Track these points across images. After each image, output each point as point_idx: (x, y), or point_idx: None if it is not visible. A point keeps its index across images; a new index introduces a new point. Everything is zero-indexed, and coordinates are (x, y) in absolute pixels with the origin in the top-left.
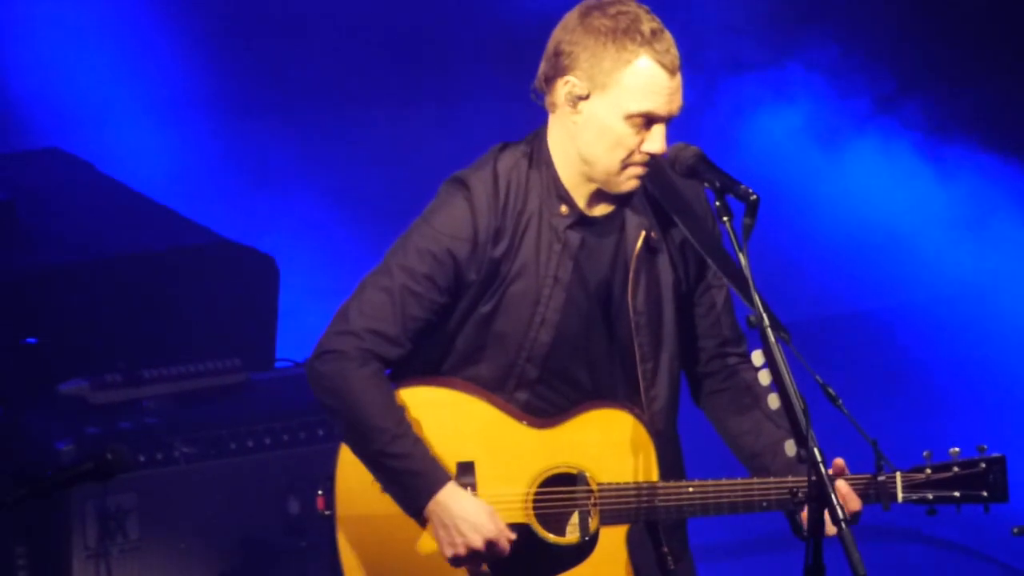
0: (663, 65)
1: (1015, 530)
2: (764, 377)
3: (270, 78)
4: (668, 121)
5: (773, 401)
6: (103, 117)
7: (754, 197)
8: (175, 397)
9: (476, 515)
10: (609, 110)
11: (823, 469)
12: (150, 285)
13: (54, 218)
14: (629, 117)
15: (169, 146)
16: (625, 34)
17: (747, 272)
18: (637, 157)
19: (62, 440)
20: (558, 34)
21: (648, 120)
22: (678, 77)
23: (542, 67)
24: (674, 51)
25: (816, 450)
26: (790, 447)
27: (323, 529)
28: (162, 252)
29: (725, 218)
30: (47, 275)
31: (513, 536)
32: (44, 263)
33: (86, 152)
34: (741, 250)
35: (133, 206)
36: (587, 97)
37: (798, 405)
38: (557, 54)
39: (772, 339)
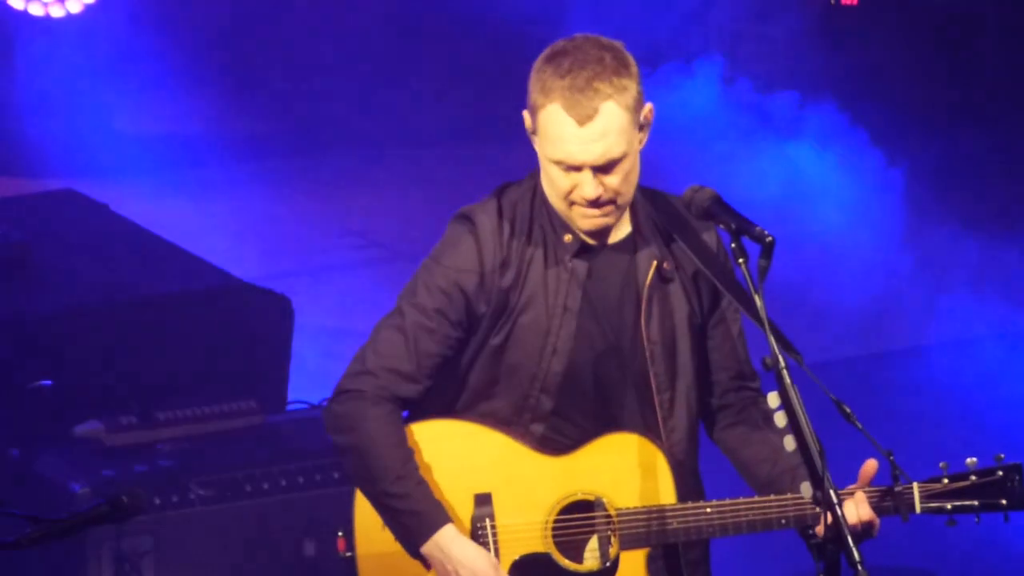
0: (573, 113)
1: None
2: (780, 419)
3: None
4: (601, 169)
5: (789, 443)
6: (120, 159)
7: (770, 239)
8: (190, 439)
9: (475, 561)
10: (541, 151)
11: (839, 511)
12: (165, 327)
13: (69, 259)
14: (554, 162)
15: (185, 188)
16: (549, 75)
17: (763, 313)
18: (578, 198)
19: (77, 482)
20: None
21: (567, 167)
22: (593, 126)
23: None
24: (595, 101)
25: (832, 491)
26: (806, 489)
27: (340, 572)
28: (176, 294)
29: (740, 260)
30: (62, 317)
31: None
32: (59, 305)
33: (102, 194)
34: (757, 292)
35: (147, 247)
36: (534, 134)
37: (814, 447)
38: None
39: (788, 381)
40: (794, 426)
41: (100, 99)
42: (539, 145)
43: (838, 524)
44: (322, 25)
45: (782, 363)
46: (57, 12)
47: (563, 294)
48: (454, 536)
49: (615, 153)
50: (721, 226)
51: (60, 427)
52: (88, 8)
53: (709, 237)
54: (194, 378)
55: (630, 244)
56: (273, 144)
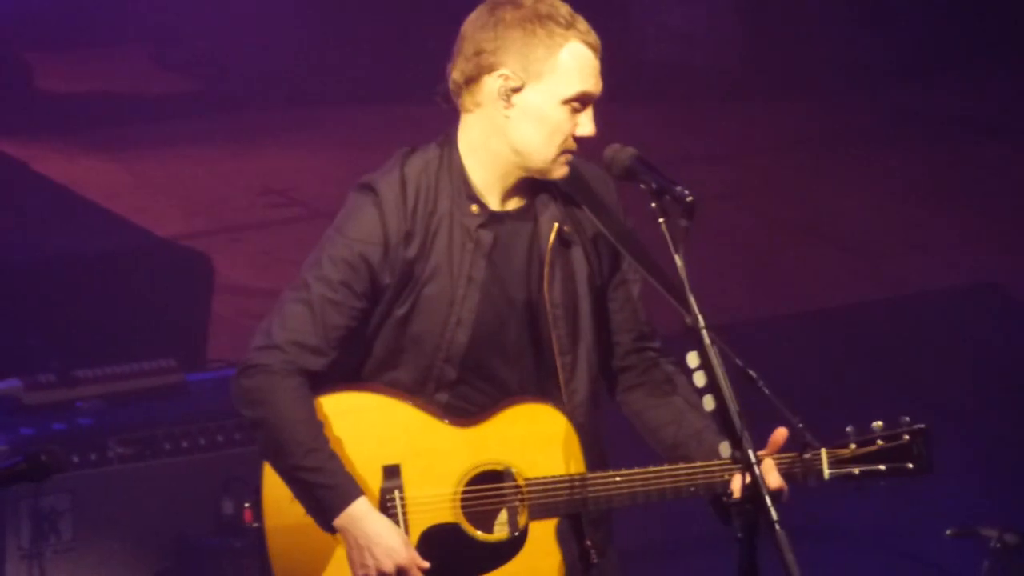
0: (590, 44)
1: (949, 532)
2: (699, 379)
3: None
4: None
5: (708, 403)
6: (39, 118)
7: (691, 199)
8: (109, 398)
9: (389, 538)
10: (545, 98)
11: (757, 471)
12: (84, 285)
13: None
14: (566, 102)
15: (106, 146)
16: (550, 20)
17: (683, 274)
18: (571, 143)
19: None
20: (473, 33)
21: (582, 102)
22: (599, 56)
23: (459, 68)
24: (594, 32)
25: (751, 452)
26: (725, 448)
27: (258, 530)
28: (95, 252)
29: (661, 220)
30: None
31: (426, 565)
32: None
33: (20, 152)
34: (677, 252)
35: (67, 206)
36: (520, 89)
37: (733, 407)
38: (479, 52)
39: (708, 340)
40: (713, 385)
41: (19, 58)
42: (542, 93)
43: (756, 483)
44: None
45: (701, 322)
46: None
47: (467, 264)
48: (367, 510)
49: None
50: (642, 185)
51: None
52: None
53: (608, 194)
54: (113, 337)
55: (531, 210)
56: (194, 102)
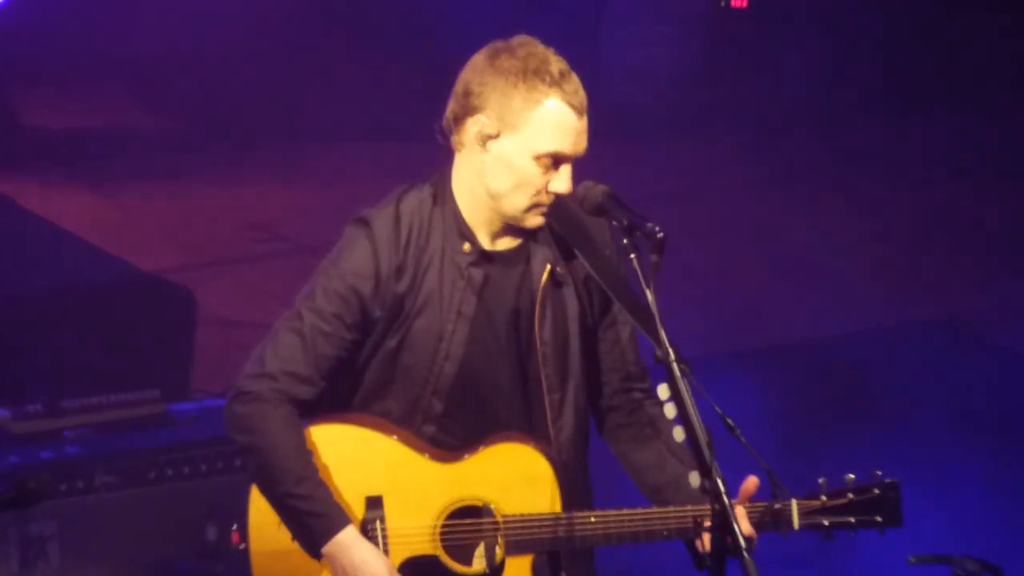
0: (572, 106)
1: (911, 559)
2: (670, 410)
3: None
4: (574, 161)
5: (678, 434)
6: (25, 154)
7: (661, 235)
8: (95, 427)
9: (375, 566)
10: (518, 150)
11: (726, 499)
12: (70, 318)
13: None
14: (538, 157)
15: (91, 182)
16: (535, 75)
17: (654, 308)
18: (543, 197)
19: None
20: (467, 75)
21: (556, 160)
22: (585, 118)
23: (451, 107)
24: (582, 93)
25: (719, 480)
26: (694, 478)
27: (240, 555)
28: (80, 285)
29: (632, 255)
30: None
31: None
32: None
33: (6, 187)
34: (648, 287)
35: (53, 240)
36: (497, 136)
37: (702, 437)
38: (467, 94)
39: (678, 373)
40: (683, 416)
41: (5, 95)
42: (516, 145)
43: (724, 511)
44: (235, 21)
45: (672, 356)
46: None
47: (458, 300)
48: (354, 538)
49: (585, 149)
50: (614, 222)
51: None
52: None
53: (602, 237)
54: (98, 368)
55: (524, 250)
56: (178, 140)
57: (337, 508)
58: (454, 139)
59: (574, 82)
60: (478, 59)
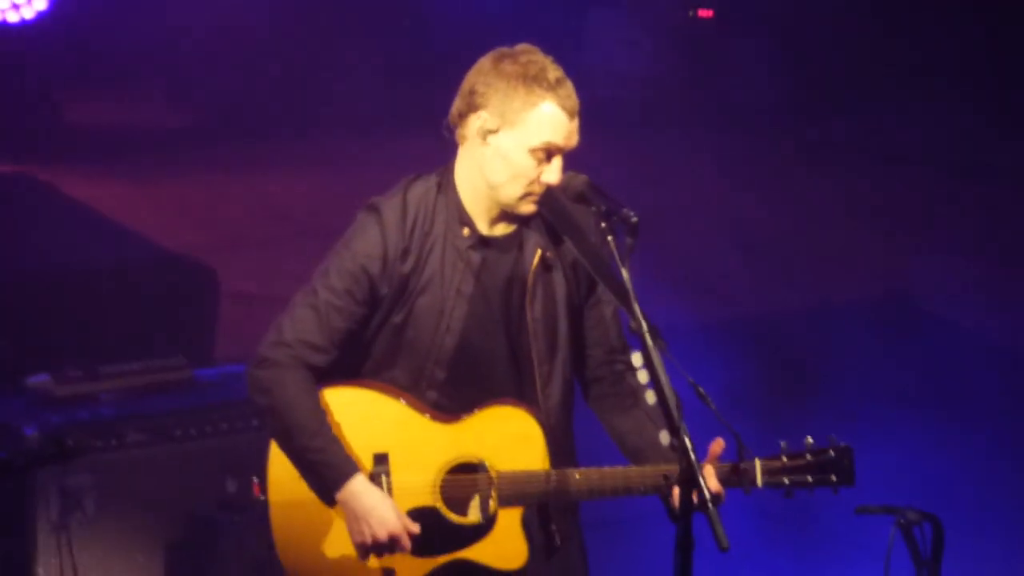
0: (565, 109)
1: (858, 509)
2: (643, 376)
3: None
4: (565, 155)
5: (650, 397)
6: (68, 148)
7: (635, 219)
8: (128, 390)
9: (383, 510)
10: (515, 144)
11: (692, 456)
12: (106, 292)
13: (23, 232)
14: (532, 151)
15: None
16: (534, 80)
17: (628, 285)
18: (535, 187)
19: (29, 427)
20: (473, 76)
21: (548, 154)
22: (576, 120)
23: (456, 104)
24: (575, 98)
25: (687, 439)
26: (664, 437)
27: (257, 505)
28: (115, 262)
29: (609, 238)
30: (17, 283)
31: (416, 530)
32: (14, 273)
33: (52, 177)
34: (623, 266)
35: (93, 224)
36: (496, 132)
37: (671, 400)
38: (472, 93)
39: (650, 343)
40: (654, 381)
41: (49, 94)
42: (513, 139)
43: (691, 466)
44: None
45: (644, 327)
46: (12, 17)
47: (458, 280)
48: (364, 486)
49: (576, 144)
50: (593, 208)
51: (14, 379)
52: (40, 14)
53: (586, 224)
54: (132, 338)
55: (518, 236)
56: (200, 133)
57: (348, 459)
58: (458, 133)
59: (568, 88)
60: (484, 62)
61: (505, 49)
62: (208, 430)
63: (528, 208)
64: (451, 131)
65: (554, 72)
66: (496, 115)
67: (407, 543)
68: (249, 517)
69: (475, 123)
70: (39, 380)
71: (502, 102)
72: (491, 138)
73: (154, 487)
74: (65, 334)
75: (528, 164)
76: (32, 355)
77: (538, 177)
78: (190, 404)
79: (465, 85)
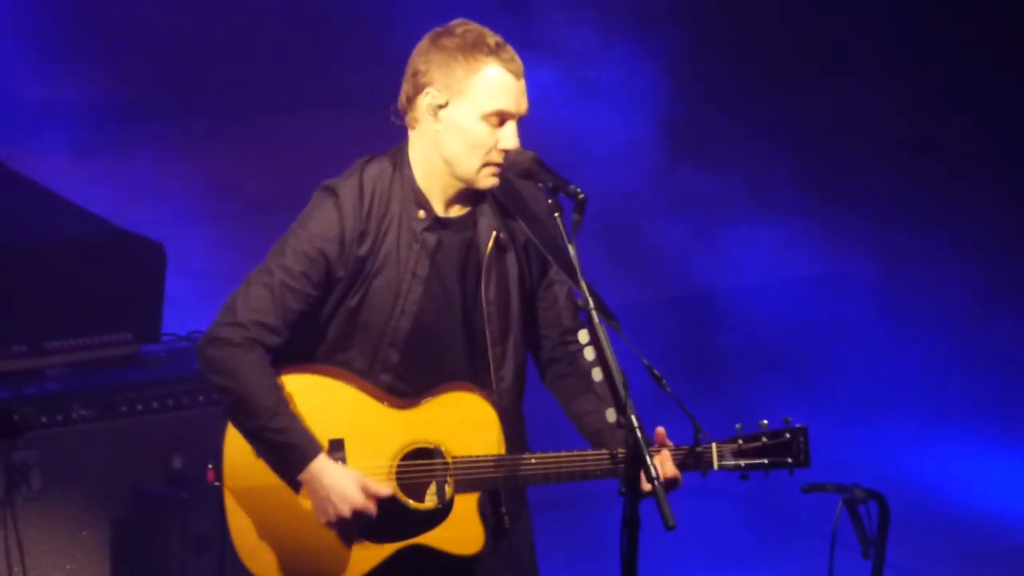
0: (510, 70)
1: (805, 488)
2: (589, 353)
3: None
4: (518, 120)
5: (597, 374)
6: (13, 122)
7: (582, 196)
8: (74, 366)
9: (345, 486)
10: (466, 113)
11: (639, 434)
12: (53, 267)
13: None
14: (485, 117)
15: (73, 148)
16: (473, 47)
17: (575, 262)
18: (494, 155)
19: None
20: (414, 58)
21: (501, 119)
22: (522, 81)
23: (403, 89)
24: (518, 60)
25: (633, 416)
26: (610, 415)
27: (202, 482)
28: (63, 238)
29: (556, 214)
30: None
31: (384, 493)
32: None
33: None
34: (570, 242)
35: (39, 199)
36: (446, 105)
37: (618, 377)
38: (415, 74)
39: (596, 320)
40: (600, 359)
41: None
42: (463, 109)
43: (637, 444)
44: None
45: (591, 304)
46: None
47: (413, 262)
48: (325, 464)
49: (528, 109)
50: (540, 184)
51: None
52: None
53: (538, 204)
54: (78, 313)
55: (472, 217)
56: (148, 109)
57: (309, 438)
58: (408, 117)
59: (509, 51)
60: (422, 43)
61: (439, 28)
62: (154, 406)
63: (489, 181)
64: (401, 117)
65: (492, 37)
66: (443, 89)
67: (372, 515)
68: (195, 493)
69: (423, 101)
70: None
71: (446, 75)
72: (442, 113)
73: (100, 463)
74: (10, 310)
75: (483, 131)
76: None
77: (495, 145)
78: (137, 380)
79: (408, 69)
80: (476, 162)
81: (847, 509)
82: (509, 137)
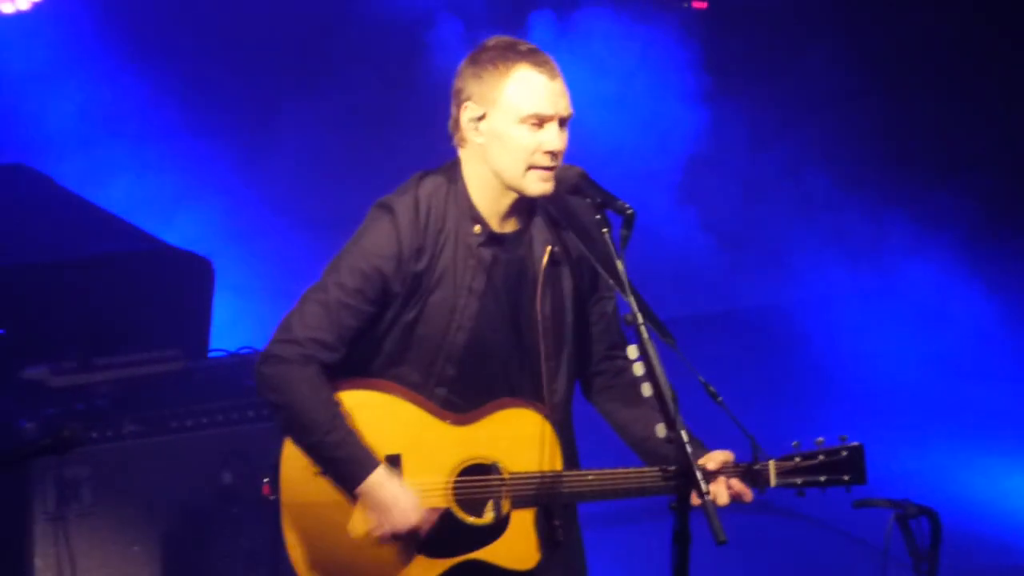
0: (542, 72)
1: (856, 503)
2: (638, 368)
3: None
4: (562, 121)
5: (646, 390)
6: (67, 135)
7: (630, 211)
8: (123, 382)
9: (405, 502)
10: (504, 120)
11: (688, 449)
12: (103, 283)
13: (18, 224)
14: (523, 120)
15: (123, 163)
16: (503, 54)
17: (624, 276)
18: (538, 158)
19: (25, 419)
20: (455, 80)
21: (539, 121)
22: (559, 81)
23: (451, 112)
24: (552, 62)
25: (683, 432)
26: (660, 430)
27: (252, 497)
28: (111, 254)
29: (604, 229)
30: (13, 275)
31: (433, 521)
32: (10, 264)
33: (47, 168)
34: (619, 257)
35: (88, 214)
36: (484, 116)
37: (667, 392)
38: (455, 93)
39: (645, 335)
40: (650, 373)
41: (48, 85)
42: (500, 116)
43: (686, 458)
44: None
45: (640, 319)
46: (8, 9)
47: (469, 277)
48: (385, 478)
49: (571, 110)
50: (588, 200)
51: (9, 371)
52: (36, 5)
53: (589, 219)
54: (127, 329)
55: (527, 233)
56: (194, 124)
57: (366, 451)
58: (456, 138)
59: (542, 54)
60: (461, 65)
61: (476, 47)
62: (204, 421)
63: (538, 186)
64: (452, 141)
65: (524, 44)
66: (480, 101)
67: (426, 531)
68: (245, 508)
69: (464, 117)
70: (35, 372)
71: (481, 86)
72: (482, 125)
73: (150, 478)
74: (62, 326)
75: (522, 135)
76: (28, 347)
77: (538, 148)
78: (186, 395)
79: (452, 91)
80: (521, 167)
81: (899, 524)
82: (551, 139)
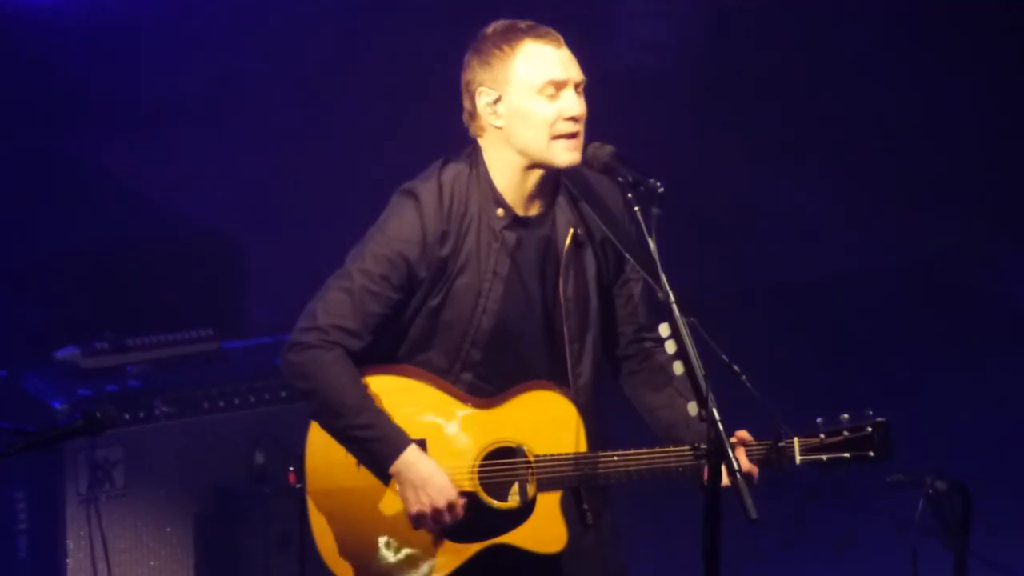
0: (546, 42)
1: (889, 480)
2: (671, 346)
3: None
4: (577, 86)
5: (678, 368)
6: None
7: (662, 190)
8: (156, 363)
9: (440, 478)
10: (520, 95)
11: (720, 427)
12: (135, 264)
13: (50, 206)
14: (539, 90)
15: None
16: (504, 36)
17: (655, 256)
18: (560, 126)
19: (58, 400)
20: (462, 76)
21: (555, 87)
22: (565, 50)
23: (463, 106)
24: (553, 32)
25: (715, 409)
26: (692, 407)
27: (284, 478)
28: (147, 235)
29: (636, 208)
30: (45, 255)
31: (464, 500)
32: (42, 244)
33: (84, 147)
34: (650, 236)
35: (122, 195)
36: (500, 99)
37: (699, 370)
38: (466, 84)
39: (677, 313)
40: (682, 352)
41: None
42: (516, 93)
43: (719, 437)
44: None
45: (672, 297)
46: None
47: (494, 261)
48: (419, 455)
49: (583, 76)
50: (619, 179)
51: (43, 352)
52: None
53: (613, 199)
54: (160, 309)
55: (550, 215)
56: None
57: (397, 430)
58: (474, 128)
59: (542, 27)
60: (465, 59)
61: (476, 40)
62: (236, 402)
63: (566, 156)
64: (469, 130)
65: (523, 23)
66: (492, 84)
67: (461, 510)
68: (277, 489)
69: (480, 103)
70: (67, 353)
71: (490, 70)
72: (500, 107)
73: (183, 459)
74: (93, 307)
75: (541, 106)
76: (60, 328)
77: (559, 115)
78: (219, 376)
79: (462, 85)
80: (545, 139)
81: (928, 500)
82: (570, 104)
